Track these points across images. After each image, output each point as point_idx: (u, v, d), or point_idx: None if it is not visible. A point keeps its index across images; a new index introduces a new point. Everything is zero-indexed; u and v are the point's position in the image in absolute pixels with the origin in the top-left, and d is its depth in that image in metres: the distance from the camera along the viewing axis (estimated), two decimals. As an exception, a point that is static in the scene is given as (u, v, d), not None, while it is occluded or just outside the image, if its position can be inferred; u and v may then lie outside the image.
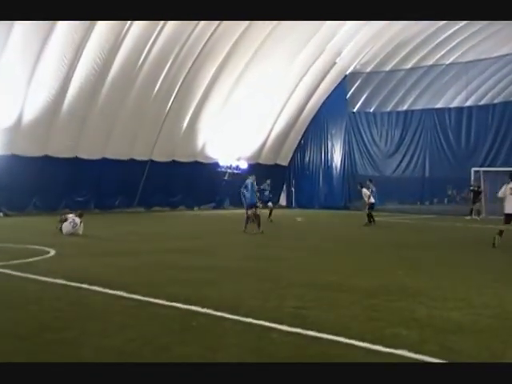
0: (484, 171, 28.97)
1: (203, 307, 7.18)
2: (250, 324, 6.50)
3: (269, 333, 6.14)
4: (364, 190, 22.39)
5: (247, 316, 6.78)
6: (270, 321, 6.55)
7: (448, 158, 31.28)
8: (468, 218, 26.75)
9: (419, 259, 12.82)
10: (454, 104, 35.12)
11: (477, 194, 27.77)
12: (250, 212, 18.81)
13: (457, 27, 32.41)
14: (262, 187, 23.63)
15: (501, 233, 15.32)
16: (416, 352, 5.39)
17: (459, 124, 31.06)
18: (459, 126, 31.06)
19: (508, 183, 15.45)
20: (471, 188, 28.17)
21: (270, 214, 23.61)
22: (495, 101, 34.32)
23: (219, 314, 6.92)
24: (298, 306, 7.44)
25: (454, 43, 33.96)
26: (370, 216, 21.96)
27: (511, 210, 15.14)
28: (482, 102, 35.00)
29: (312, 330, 6.18)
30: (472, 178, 28.77)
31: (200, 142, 32.12)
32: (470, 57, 33.44)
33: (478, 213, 27.27)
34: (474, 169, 28.89)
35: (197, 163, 32.18)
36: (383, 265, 11.79)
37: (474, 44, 33.87)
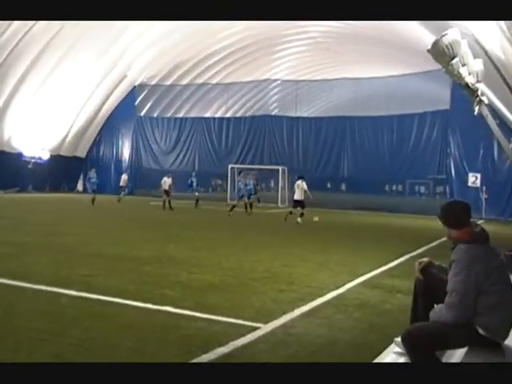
0: (237, 168, 30.68)
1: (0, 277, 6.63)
2: (42, 290, 6.14)
3: (58, 297, 5.88)
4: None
5: (39, 283, 6.39)
6: (60, 287, 6.26)
7: (212, 156, 32.56)
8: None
9: (187, 236, 13.03)
10: (218, 115, 36.58)
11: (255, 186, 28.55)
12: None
13: (222, 55, 33.74)
14: (246, 182, 21.98)
15: (290, 212, 17.70)
16: (177, 307, 5.56)
17: (221, 130, 32.49)
18: (221, 132, 32.49)
19: (297, 181, 18.10)
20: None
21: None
22: (246, 114, 36.42)
23: (14, 282, 6.42)
24: (86, 273, 7.22)
25: (219, 68, 35.22)
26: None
27: (298, 197, 17.62)
28: (238, 115, 36.90)
29: (95, 293, 6.07)
30: (229, 173, 30.24)
31: (7, 134, 29.23)
32: (230, 79, 35.07)
33: (258, 200, 27.72)
34: (230, 165, 30.41)
35: (3, 153, 29.15)
36: (159, 239, 11.81)
37: (234, 70, 35.52)
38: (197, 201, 24.30)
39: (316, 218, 18.02)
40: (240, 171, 23.31)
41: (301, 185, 17.77)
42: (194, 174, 25.54)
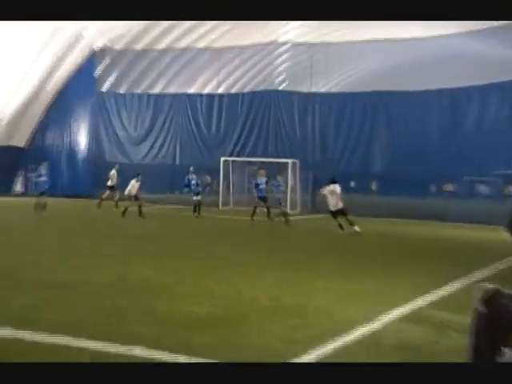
0: (233, 161, 30.66)
1: None
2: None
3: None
4: None
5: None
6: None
7: (199, 145, 32.54)
8: None
9: (164, 252, 13.10)
10: (207, 90, 36.53)
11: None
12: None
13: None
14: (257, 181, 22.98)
15: (341, 227, 18.35)
16: (152, 349, 5.54)
17: (210, 111, 32.48)
18: (211, 114, 32.48)
19: (328, 185, 18.77)
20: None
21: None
22: (245, 90, 36.34)
23: None
24: (27, 306, 7.19)
25: (207, 27, 35.10)
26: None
27: (339, 206, 18.48)
28: (233, 90, 36.83)
29: (40, 330, 6.03)
30: (221, 168, 30.16)
31: None
32: (223, 43, 34.88)
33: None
34: (222, 158, 30.33)
35: None
36: (128, 257, 11.83)
37: (228, 29, 35.43)
38: (197, 207, 23.98)
39: (357, 229, 18.27)
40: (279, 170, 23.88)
41: (335, 190, 18.70)
42: (191, 169, 25.07)
